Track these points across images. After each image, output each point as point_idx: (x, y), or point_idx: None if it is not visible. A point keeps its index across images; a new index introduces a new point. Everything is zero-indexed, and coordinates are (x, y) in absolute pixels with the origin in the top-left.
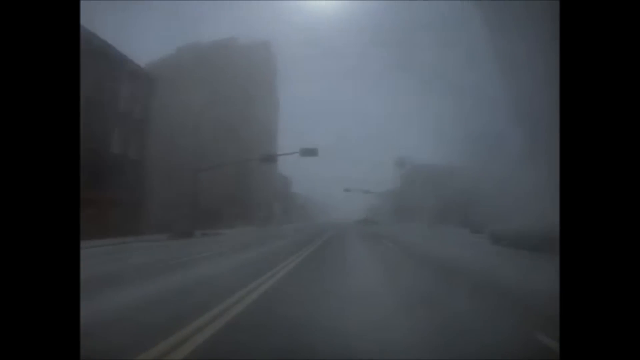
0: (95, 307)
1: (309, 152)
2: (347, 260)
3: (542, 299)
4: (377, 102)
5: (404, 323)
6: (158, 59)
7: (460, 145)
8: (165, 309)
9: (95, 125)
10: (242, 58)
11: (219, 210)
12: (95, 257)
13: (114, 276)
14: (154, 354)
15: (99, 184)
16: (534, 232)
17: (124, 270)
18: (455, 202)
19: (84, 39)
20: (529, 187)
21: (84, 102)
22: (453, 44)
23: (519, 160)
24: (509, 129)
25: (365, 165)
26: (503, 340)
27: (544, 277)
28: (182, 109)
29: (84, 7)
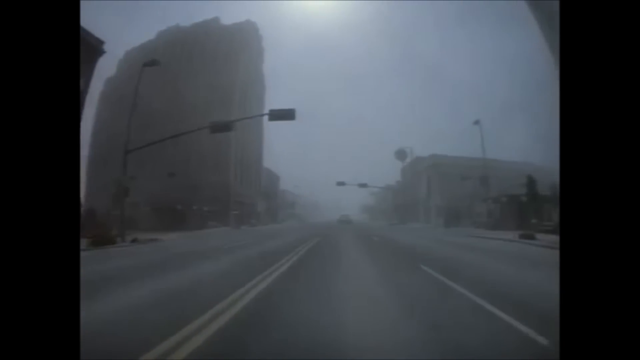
0: None
1: (282, 116)
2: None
3: None
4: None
5: None
6: (139, 44)
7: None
8: None
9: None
10: (224, 40)
11: (185, 209)
12: None
13: None
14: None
15: None
16: None
17: None
18: (514, 201)
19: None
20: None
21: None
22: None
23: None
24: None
25: (362, 161)
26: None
27: None
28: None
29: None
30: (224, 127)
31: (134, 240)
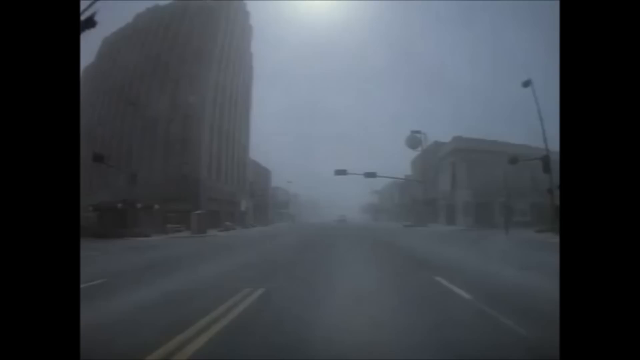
0: None
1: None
2: None
3: None
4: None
5: None
6: (118, 27)
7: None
8: None
9: None
10: (202, 14)
11: (134, 209)
12: None
13: None
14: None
15: None
16: None
17: None
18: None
19: None
20: None
21: None
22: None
23: None
24: None
25: (364, 152)
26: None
27: None
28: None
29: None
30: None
31: None
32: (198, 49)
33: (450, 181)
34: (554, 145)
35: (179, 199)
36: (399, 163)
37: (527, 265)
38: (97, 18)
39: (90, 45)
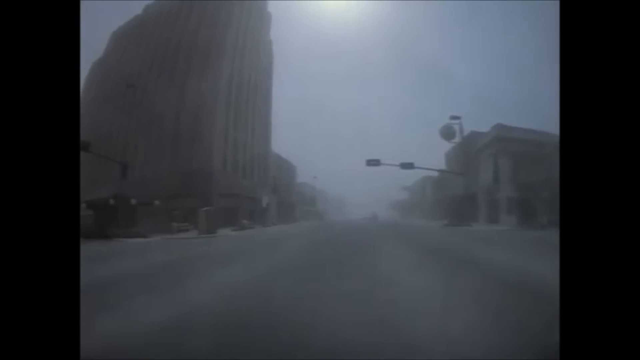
0: None
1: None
2: None
3: None
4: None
5: None
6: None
7: None
8: None
9: None
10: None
11: (129, 205)
12: None
13: None
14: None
15: None
16: None
17: None
18: None
19: None
20: None
21: None
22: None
23: None
24: None
25: (395, 148)
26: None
27: None
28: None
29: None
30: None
31: None
32: (209, 34)
33: (492, 174)
34: None
35: (189, 195)
36: (428, 158)
37: None
38: (106, 14)
39: (97, 38)
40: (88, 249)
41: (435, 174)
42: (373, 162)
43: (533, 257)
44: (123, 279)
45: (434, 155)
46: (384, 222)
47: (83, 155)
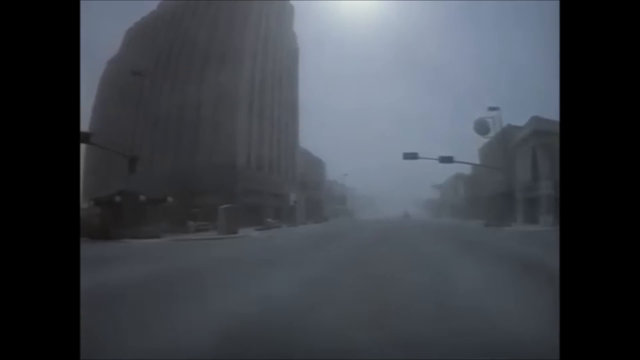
0: None
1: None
2: None
3: None
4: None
5: None
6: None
7: None
8: None
9: None
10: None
11: (139, 203)
12: None
13: None
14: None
15: None
16: None
17: None
18: None
19: None
20: None
21: None
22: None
23: None
24: None
25: (428, 144)
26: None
27: None
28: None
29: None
30: None
31: None
32: (229, 27)
33: (531, 170)
34: None
35: (210, 192)
36: (460, 153)
37: None
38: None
39: (114, 34)
40: (88, 251)
41: (468, 172)
42: (410, 156)
43: None
44: None
45: (468, 153)
46: (422, 223)
47: (95, 150)
